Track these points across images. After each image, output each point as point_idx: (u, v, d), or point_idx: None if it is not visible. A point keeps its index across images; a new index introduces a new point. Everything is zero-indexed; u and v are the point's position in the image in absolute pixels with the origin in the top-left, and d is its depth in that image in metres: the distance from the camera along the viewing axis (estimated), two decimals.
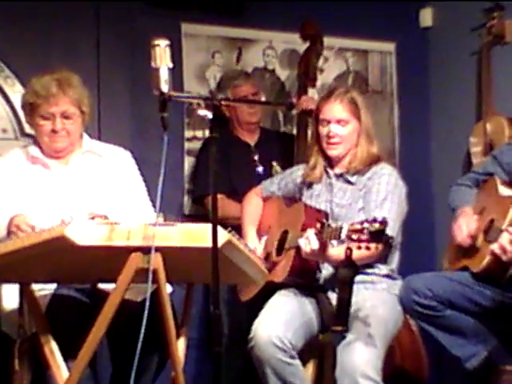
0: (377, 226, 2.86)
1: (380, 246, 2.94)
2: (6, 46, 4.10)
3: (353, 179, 3.44)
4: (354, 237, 2.89)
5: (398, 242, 3.40)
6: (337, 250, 3.16)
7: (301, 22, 4.43)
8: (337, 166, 3.49)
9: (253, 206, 3.69)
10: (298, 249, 3.24)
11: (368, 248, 2.90)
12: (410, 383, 3.80)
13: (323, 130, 3.45)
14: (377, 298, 3.28)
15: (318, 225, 3.10)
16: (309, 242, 3.14)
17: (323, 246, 3.12)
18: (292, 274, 3.32)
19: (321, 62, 4.55)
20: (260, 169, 4.17)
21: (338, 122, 3.42)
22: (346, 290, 3.02)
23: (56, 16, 4.20)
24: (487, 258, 3.26)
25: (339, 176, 3.46)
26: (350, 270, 3.02)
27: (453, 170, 4.64)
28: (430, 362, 3.80)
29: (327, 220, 3.25)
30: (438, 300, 3.27)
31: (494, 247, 3.17)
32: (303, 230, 3.25)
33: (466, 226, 3.41)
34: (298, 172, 3.61)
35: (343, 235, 2.94)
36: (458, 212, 3.48)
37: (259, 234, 3.62)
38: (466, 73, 4.66)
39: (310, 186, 3.53)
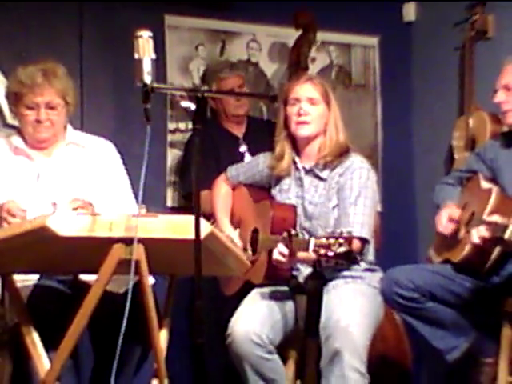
0: (344, 246, 2.87)
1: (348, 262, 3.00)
2: None
3: (323, 175, 3.39)
4: (322, 251, 2.90)
5: (370, 234, 3.34)
6: (305, 254, 3.06)
7: (286, 16, 4.43)
8: (305, 157, 3.42)
9: (223, 195, 3.64)
10: (269, 254, 3.23)
11: (337, 264, 2.95)
12: (394, 374, 3.83)
13: (292, 110, 3.36)
14: (356, 291, 3.28)
15: (286, 234, 3.09)
16: (281, 256, 3.13)
17: (293, 254, 3.10)
18: (267, 277, 3.33)
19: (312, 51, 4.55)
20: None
21: (309, 100, 3.36)
22: (315, 300, 3.09)
23: (39, 8, 4.17)
24: (467, 248, 3.28)
25: (309, 171, 3.41)
26: (317, 281, 3.12)
27: (435, 165, 4.67)
28: (413, 354, 3.83)
29: (295, 216, 3.29)
30: (419, 292, 3.29)
31: (473, 233, 3.18)
32: (273, 231, 3.27)
33: (447, 214, 3.42)
34: (263, 164, 3.52)
35: (310, 249, 2.94)
36: (442, 206, 3.50)
37: (232, 225, 3.61)
38: (449, 67, 4.68)
39: (278, 178, 3.48)
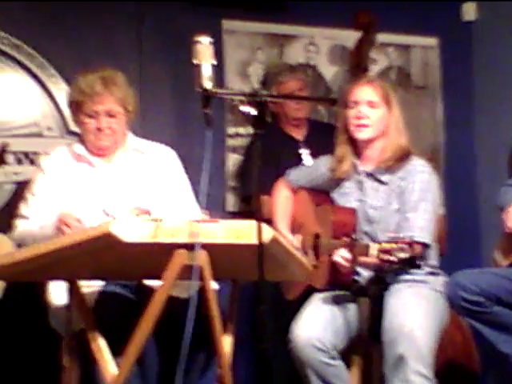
0: (406, 252, 2.88)
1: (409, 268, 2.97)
2: (50, 44, 4.14)
3: (384, 178, 3.36)
4: (384, 257, 2.89)
5: (431, 238, 3.30)
6: (368, 258, 3.08)
7: (343, 18, 4.41)
8: (366, 160, 3.39)
9: (283, 200, 3.64)
10: (330, 258, 3.22)
11: (399, 268, 2.92)
12: (461, 379, 3.77)
13: (351, 112, 3.35)
14: (419, 295, 3.24)
15: (348, 239, 3.07)
16: (343, 260, 3.12)
17: (355, 259, 3.10)
18: (329, 282, 3.32)
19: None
20: (310, 164, 4.16)
21: (368, 103, 3.34)
22: (377, 304, 3.08)
23: (99, 15, 4.23)
24: None
25: (369, 175, 3.38)
26: (379, 285, 3.08)
27: (498, 166, 4.59)
28: (480, 358, 3.77)
29: (356, 220, 3.27)
30: (484, 296, 3.23)
31: None
32: (334, 235, 3.24)
33: None
34: (323, 167, 3.51)
35: (372, 254, 2.95)
36: (507, 208, 3.43)
37: (292, 231, 3.60)
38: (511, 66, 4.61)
39: (338, 181, 3.46)
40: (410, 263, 2.91)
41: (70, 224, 3.03)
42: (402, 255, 2.86)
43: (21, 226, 3.27)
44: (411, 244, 2.88)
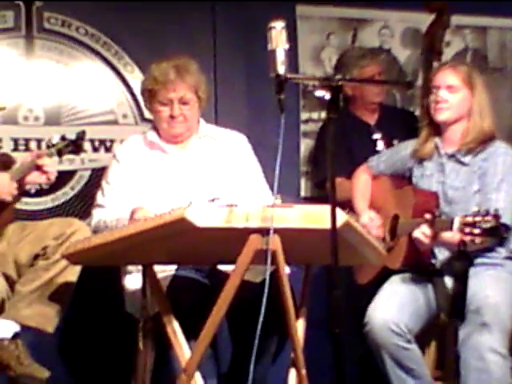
0: (491, 222, 2.86)
1: (494, 240, 2.92)
2: (124, 34, 4.18)
3: (466, 160, 3.36)
4: (467, 230, 2.87)
5: None
6: (449, 234, 3.10)
7: (418, 1, 4.34)
8: (447, 142, 3.40)
9: (362, 184, 3.66)
10: (410, 237, 3.21)
11: (482, 242, 2.88)
12: None
13: (432, 97, 3.39)
14: (498, 278, 3.23)
15: (429, 216, 3.06)
16: (424, 236, 3.11)
17: (436, 235, 3.09)
18: (406, 262, 3.31)
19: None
20: (381, 148, 4.14)
21: (448, 87, 3.35)
22: (460, 281, 3.03)
23: (173, 4, 4.24)
24: None
25: (451, 156, 3.38)
26: (463, 261, 3.06)
27: None
28: None
29: (438, 203, 3.25)
30: None
31: None
32: (414, 216, 3.24)
33: None
34: (406, 150, 3.54)
35: (455, 228, 2.94)
36: None
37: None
38: None
39: (420, 163, 3.47)
40: (496, 234, 2.88)
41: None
42: (487, 225, 2.85)
43: (97, 216, 3.35)
44: (496, 216, 2.86)
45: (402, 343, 3.19)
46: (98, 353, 3.88)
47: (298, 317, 2.89)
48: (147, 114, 4.10)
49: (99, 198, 3.39)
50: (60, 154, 3.35)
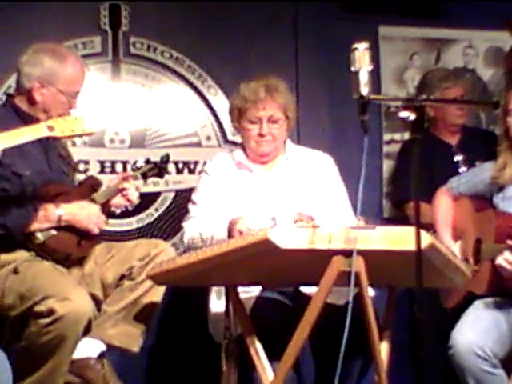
0: None
1: None
2: (208, 57, 4.24)
3: None
4: None
5: None
6: None
7: (502, 19, 4.29)
8: None
9: (444, 207, 3.59)
10: (493, 262, 3.16)
11: None
12: None
13: (509, 120, 3.32)
14: None
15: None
16: (507, 263, 3.05)
17: None
18: (490, 287, 3.25)
19: None
20: (463, 170, 4.08)
21: None
22: None
23: (255, 26, 4.29)
24: None
25: None
26: None
27: None
28: None
29: None
30: None
31: None
32: (496, 240, 3.19)
33: None
34: (486, 172, 3.46)
35: None
36: None
37: (453, 238, 3.53)
38: None
39: (501, 187, 3.40)
40: None
41: (243, 231, 3.10)
42: None
43: (190, 228, 3.38)
44: None
45: (487, 367, 3.12)
46: (183, 373, 3.91)
47: (381, 339, 2.86)
48: (230, 136, 4.15)
49: (191, 209, 3.44)
50: (145, 176, 3.41)
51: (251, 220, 3.16)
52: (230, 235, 3.16)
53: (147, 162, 3.44)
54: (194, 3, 4.19)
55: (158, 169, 3.47)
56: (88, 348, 3.07)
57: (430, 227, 3.52)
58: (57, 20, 3.98)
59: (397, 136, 4.55)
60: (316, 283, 2.67)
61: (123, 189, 3.30)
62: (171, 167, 4.04)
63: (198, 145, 4.24)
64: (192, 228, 3.37)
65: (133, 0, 4.14)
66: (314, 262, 2.63)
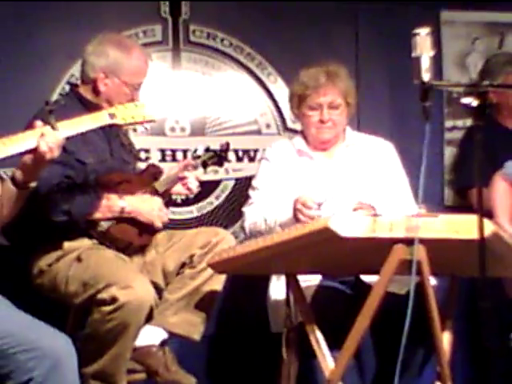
0: None
1: None
2: (268, 44, 4.22)
3: None
4: None
5: None
6: None
7: None
8: None
9: (502, 193, 3.52)
10: None
11: None
12: None
13: None
14: None
15: None
16: None
17: None
18: None
19: None
20: None
21: None
22: None
23: (314, 12, 4.26)
24: None
25: None
26: None
27: None
28: None
29: None
30: None
31: None
32: None
33: None
34: None
35: None
36: None
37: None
38: None
39: None
40: None
41: (310, 206, 3.09)
42: None
43: (251, 213, 3.39)
44: None
45: None
46: (243, 362, 3.92)
47: (443, 329, 2.83)
48: (290, 124, 4.14)
49: (252, 195, 3.44)
50: (205, 165, 3.42)
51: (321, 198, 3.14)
52: (295, 215, 3.13)
53: (207, 150, 3.46)
54: None
55: (218, 157, 3.47)
56: (150, 336, 3.10)
57: (488, 215, 3.47)
58: (118, 9, 4.01)
59: (459, 122, 4.49)
60: (377, 272, 2.65)
61: (183, 177, 3.31)
62: (231, 155, 4.04)
63: (258, 132, 4.23)
64: (253, 213, 3.37)
65: None
66: (374, 251, 2.61)
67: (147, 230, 3.18)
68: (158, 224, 3.17)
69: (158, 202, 3.19)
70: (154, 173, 3.32)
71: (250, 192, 3.46)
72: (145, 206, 3.14)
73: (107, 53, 3.18)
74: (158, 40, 4.12)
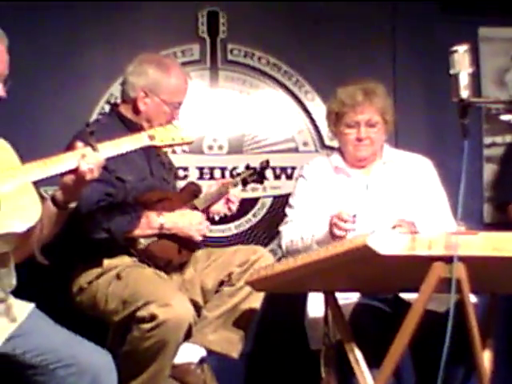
0: None
1: None
2: (305, 62, 4.24)
3: None
4: None
5: None
6: None
7: None
8: None
9: None
10: None
11: None
12: None
13: None
14: None
15: None
16: None
17: None
18: None
19: None
20: None
21: None
22: None
23: (352, 29, 4.27)
24: None
25: None
26: None
27: None
28: None
29: None
30: None
31: None
32: None
33: None
34: None
35: None
36: None
37: None
38: None
39: None
40: None
41: (346, 219, 3.09)
42: None
43: (288, 232, 3.39)
44: None
45: None
46: (281, 380, 3.92)
47: (484, 348, 2.80)
48: (327, 141, 4.14)
49: (289, 213, 3.45)
50: (244, 183, 3.44)
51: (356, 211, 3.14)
52: (330, 230, 3.13)
53: (247, 168, 3.47)
54: (291, 9, 4.20)
55: (258, 175, 3.49)
56: (189, 353, 3.11)
57: None
58: (156, 28, 4.05)
59: (498, 139, 4.46)
60: (416, 290, 2.63)
61: (223, 195, 3.33)
62: (269, 173, 4.05)
63: (295, 150, 4.24)
64: (290, 231, 3.37)
65: (230, 6, 4.17)
66: (413, 268, 2.59)
67: (187, 245, 3.20)
68: (197, 238, 3.19)
69: (197, 215, 3.20)
70: (194, 190, 3.34)
71: (287, 210, 3.47)
72: (184, 220, 3.16)
73: (147, 72, 3.22)
74: (196, 59, 4.16)
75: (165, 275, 3.14)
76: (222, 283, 3.20)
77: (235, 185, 3.40)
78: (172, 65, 3.31)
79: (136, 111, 3.23)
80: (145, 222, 3.08)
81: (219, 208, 3.37)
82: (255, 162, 3.63)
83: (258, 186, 3.86)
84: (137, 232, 3.08)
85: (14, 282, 2.53)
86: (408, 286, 2.76)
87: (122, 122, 3.23)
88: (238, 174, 3.44)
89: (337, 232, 3.09)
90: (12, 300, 2.52)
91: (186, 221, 3.16)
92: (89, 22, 3.96)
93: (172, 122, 3.16)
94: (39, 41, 3.87)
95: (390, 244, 2.54)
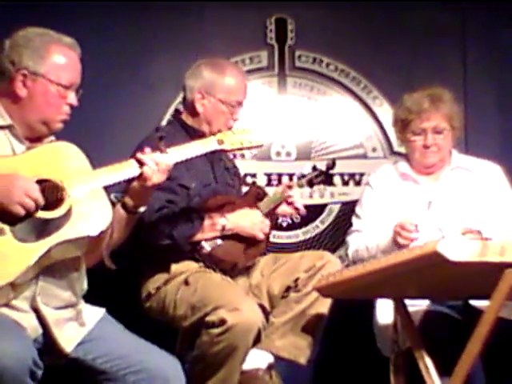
0: None
1: None
2: (373, 68, 4.22)
3: None
4: None
5: None
6: None
7: None
8: None
9: None
10: None
11: None
12: None
13: None
14: None
15: None
16: None
17: None
18: None
19: None
20: None
21: None
22: None
23: (421, 35, 4.23)
24: None
25: None
26: None
27: None
28: None
29: None
30: None
31: None
32: None
33: None
34: None
35: None
36: None
37: None
38: None
39: None
40: None
41: (409, 229, 3.08)
42: None
43: (354, 241, 3.38)
44: None
45: None
46: None
47: None
48: (396, 147, 4.11)
49: (355, 223, 3.45)
50: (311, 184, 3.43)
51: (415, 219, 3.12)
52: (394, 238, 3.13)
53: (314, 168, 3.46)
54: (358, 15, 4.19)
55: (325, 176, 3.47)
56: (256, 359, 3.10)
57: None
58: (224, 36, 4.08)
59: None
60: (487, 297, 2.60)
61: (288, 197, 3.33)
62: (337, 179, 4.04)
63: (364, 156, 4.22)
64: (356, 241, 3.37)
65: (298, 13, 4.18)
66: (484, 275, 2.56)
67: (251, 245, 3.20)
68: (260, 236, 3.19)
69: (257, 214, 3.21)
70: (257, 193, 3.35)
71: (353, 220, 3.46)
72: (246, 220, 3.17)
73: (203, 74, 3.26)
74: (264, 66, 4.17)
75: (231, 280, 3.15)
76: (288, 289, 3.20)
77: (301, 186, 3.39)
78: (227, 65, 3.35)
79: (194, 114, 3.26)
80: (207, 224, 3.10)
81: (285, 209, 3.36)
82: (323, 167, 3.62)
83: (325, 191, 3.84)
84: (199, 235, 3.10)
85: (85, 286, 2.57)
86: (479, 292, 2.72)
87: (184, 130, 3.26)
88: (304, 176, 3.43)
89: (400, 241, 3.07)
90: (83, 305, 2.56)
91: (248, 220, 3.17)
92: (156, 31, 4.01)
93: (234, 123, 3.18)
94: (107, 50, 3.93)
95: (460, 250, 2.52)
